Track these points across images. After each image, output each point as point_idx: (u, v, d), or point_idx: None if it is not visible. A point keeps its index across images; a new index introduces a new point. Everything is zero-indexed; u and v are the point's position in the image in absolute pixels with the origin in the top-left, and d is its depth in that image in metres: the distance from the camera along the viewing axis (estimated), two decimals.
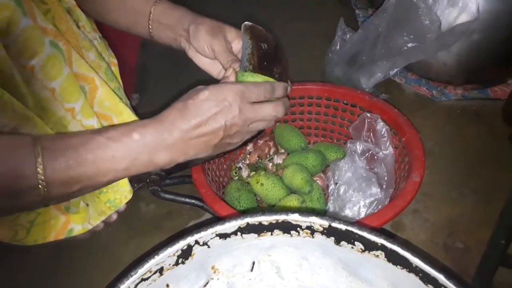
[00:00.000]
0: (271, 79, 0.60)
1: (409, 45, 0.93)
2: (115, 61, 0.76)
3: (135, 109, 0.72)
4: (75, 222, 0.67)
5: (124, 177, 0.55)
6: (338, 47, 1.02)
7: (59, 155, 0.47)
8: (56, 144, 0.48)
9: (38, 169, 0.45)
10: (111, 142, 0.50)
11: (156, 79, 1.15)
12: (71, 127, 0.63)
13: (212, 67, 0.69)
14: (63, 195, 0.51)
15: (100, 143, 0.50)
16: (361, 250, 0.42)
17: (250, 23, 0.58)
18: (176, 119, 0.53)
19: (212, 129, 0.54)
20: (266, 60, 0.59)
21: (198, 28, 0.64)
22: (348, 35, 1.01)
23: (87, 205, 0.67)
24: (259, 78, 0.60)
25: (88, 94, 0.65)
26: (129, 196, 0.70)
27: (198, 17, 0.65)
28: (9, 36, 0.53)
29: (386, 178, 0.73)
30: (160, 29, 0.68)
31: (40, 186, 0.46)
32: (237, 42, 0.65)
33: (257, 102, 0.58)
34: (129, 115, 0.69)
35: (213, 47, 0.63)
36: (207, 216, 0.81)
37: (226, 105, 0.55)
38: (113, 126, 0.53)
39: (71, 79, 0.60)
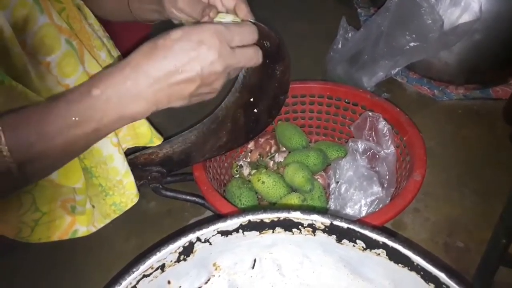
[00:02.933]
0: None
1: (411, 44, 0.93)
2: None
3: None
4: (80, 223, 0.66)
5: (100, 139, 0.51)
6: (340, 45, 1.02)
7: (20, 133, 0.44)
8: (16, 123, 0.45)
9: (4, 152, 0.43)
10: (71, 105, 0.46)
11: None
12: None
13: None
14: (40, 171, 0.49)
15: (60, 110, 0.46)
16: (362, 248, 0.42)
17: (253, 21, 0.58)
18: (142, 63, 0.47)
19: (186, 77, 0.48)
20: (268, 58, 0.59)
21: None
22: (350, 34, 1.01)
23: (93, 206, 0.67)
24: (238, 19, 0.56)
25: None
26: (135, 199, 0.70)
27: None
28: (26, 32, 0.53)
29: (387, 177, 0.73)
30: (142, 8, 0.66)
31: (11, 168, 0.44)
32: None
33: (239, 46, 0.52)
34: None
35: (179, 8, 0.58)
36: (208, 213, 0.81)
37: (203, 48, 0.48)
38: (75, 87, 0.49)
39: (86, 77, 0.59)
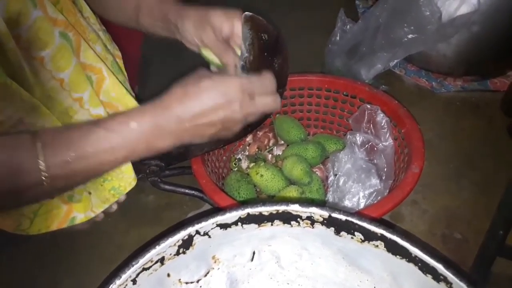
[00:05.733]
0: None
1: (409, 36, 0.93)
2: (119, 53, 0.76)
3: (138, 101, 0.72)
4: (78, 210, 0.67)
5: (123, 164, 0.55)
6: (338, 38, 1.02)
7: (59, 151, 0.47)
8: (56, 139, 0.48)
9: (40, 166, 0.46)
10: (109, 133, 0.50)
11: (157, 71, 1.14)
12: (79, 115, 0.63)
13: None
14: (67, 186, 0.52)
15: (99, 135, 0.50)
16: (361, 240, 0.42)
17: (250, 14, 0.57)
18: (175, 106, 0.52)
19: (210, 121, 0.54)
20: (266, 51, 0.59)
21: (184, 23, 0.63)
22: (348, 26, 1.01)
23: (90, 193, 0.68)
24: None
25: (95, 84, 0.65)
26: (133, 183, 0.71)
27: (183, 9, 0.64)
28: (20, 27, 0.53)
29: (385, 169, 0.73)
30: (152, 24, 0.68)
31: (44, 182, 0.46)
32: (226, 25, 0.62)
33: (258, 95, 0.57)
34: (134, 106, 0.69)
35: (202, 40, 0.63)
36: (207, 207, 0.81)
37: (227, 99, 0.54)
38: (111, 116, 0.53)
39: (79, 70, 0.60)
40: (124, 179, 0.69)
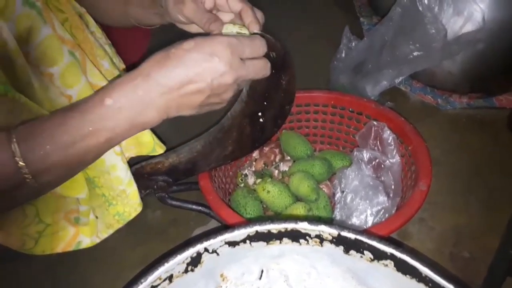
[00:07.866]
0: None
1: (415, 53, 0.93)
2: (123, 66, 0.77)
3: None
4: (84, 234, 0.66)
5: (112, 147, 0.52)
6: (343, 55, 1.03)
7: (35, 145, 0.45)
8: (31, 133, 0.46)
9: (19, 164, 0.44)
10: (84, 115, 0.47)
11: None
12: None
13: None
14: (55, 181, 0.50)
15: (74, 120, 0.47)
16: (370, 259, 0.42)
17: (260, 32, 0.58)
18: (153, 72, 0.48)
19: (197, 88, 0.49)
20: (274, 68, 0.60)
21: (166, 2, 0.59)
22: (353, 43, 1.02)
23: (97, 217, 0.67)
24: (246, 30, 0.56)
25: None
26: (139, 209, 0.70)
27: None
28: (30, 44, 0.53)
29: (393, 187, 0.73)
30: (143, 13, 0.67)
31: (27, 179, 0.45)
32: None
33: (249, 58, 0.52)
34: None
35: (185, 15, 0.58)
36: (213, 223, 0.81)
37: (215, 60, 0.48)
38: (88, 96, 0.50)
39: (88, 88, 0.60)
40: (129, 205, 0.68)
